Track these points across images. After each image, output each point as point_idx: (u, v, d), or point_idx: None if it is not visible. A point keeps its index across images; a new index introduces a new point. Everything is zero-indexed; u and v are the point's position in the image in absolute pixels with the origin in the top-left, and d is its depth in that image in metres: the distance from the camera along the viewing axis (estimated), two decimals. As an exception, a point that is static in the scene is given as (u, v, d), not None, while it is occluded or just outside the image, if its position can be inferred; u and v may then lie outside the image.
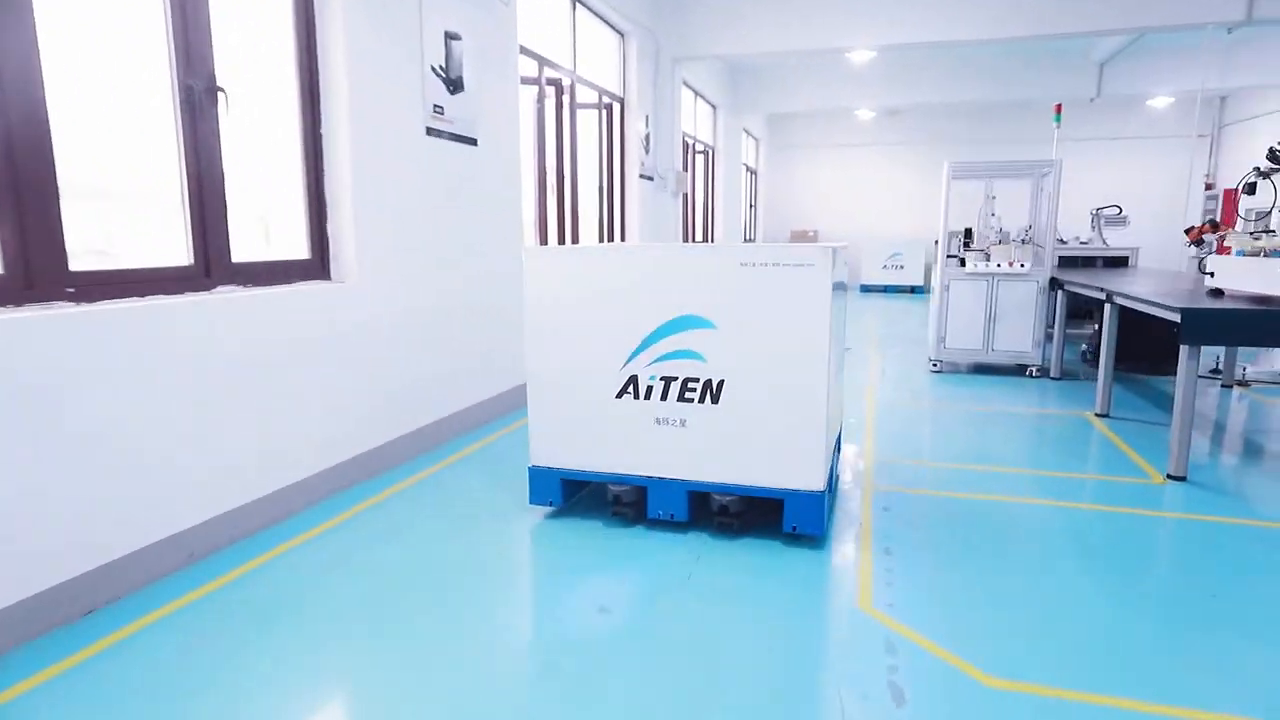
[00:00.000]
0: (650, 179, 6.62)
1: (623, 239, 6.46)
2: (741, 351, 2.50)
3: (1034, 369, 5.41)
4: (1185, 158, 11.01)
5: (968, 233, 5.76)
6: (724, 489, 2.61)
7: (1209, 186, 10.49)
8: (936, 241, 5.88)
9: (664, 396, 2.62)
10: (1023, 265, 5.19)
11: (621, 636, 2.00)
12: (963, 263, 5.37)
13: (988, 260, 5.29)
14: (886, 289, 12.45)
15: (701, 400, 2.59)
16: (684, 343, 2.58)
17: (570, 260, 2.68)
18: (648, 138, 6.47)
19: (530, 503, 2.85)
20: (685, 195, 8.04)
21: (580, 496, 3.10)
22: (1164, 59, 9.17)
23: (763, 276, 2.46)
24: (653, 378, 2.63)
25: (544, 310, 2.71)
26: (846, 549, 2.59)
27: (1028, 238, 5.60)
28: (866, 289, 12.61)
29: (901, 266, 12.41)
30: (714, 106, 9.50)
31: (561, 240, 5.35)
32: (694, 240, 8.54)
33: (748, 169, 11.60)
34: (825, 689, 1.76)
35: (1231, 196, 8.74)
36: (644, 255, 2.64)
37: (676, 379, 2.60)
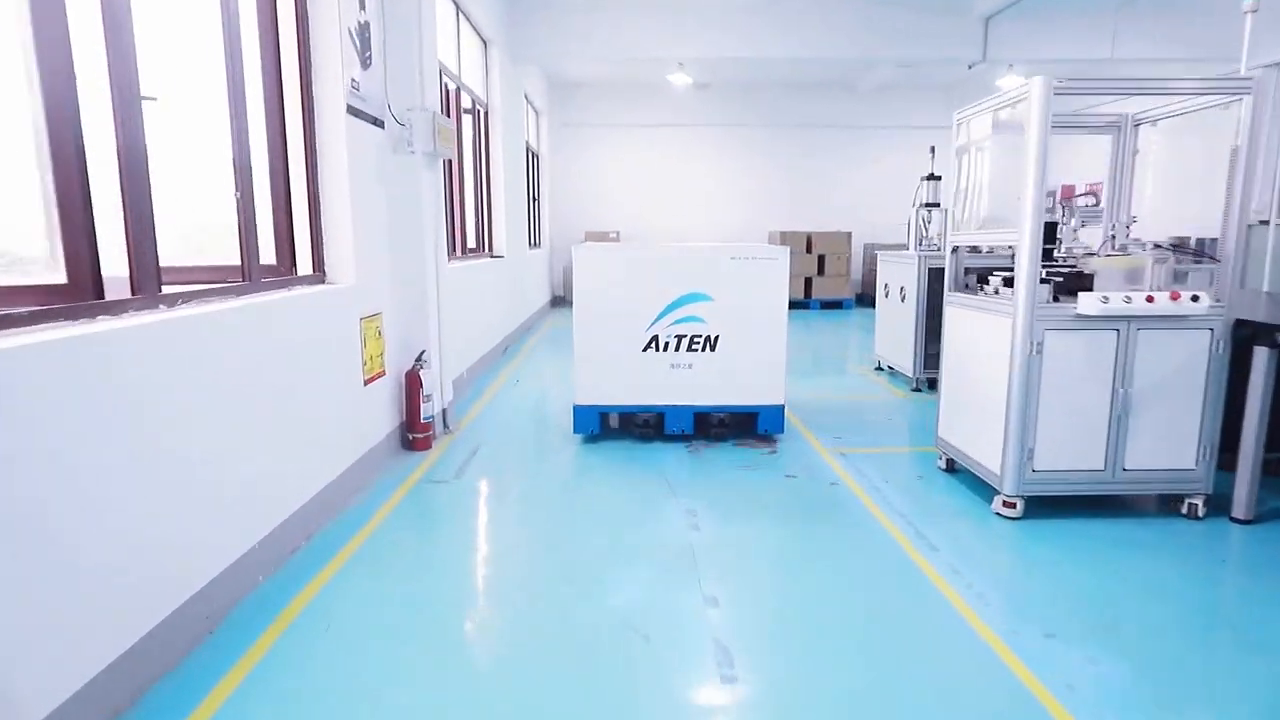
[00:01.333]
0: (375, 122, 3.88)
1: (312, 243, 3.57)
2: (730, 317, 4.37)
3: (1197, 502, 3.27)
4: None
5: (940, 240, 5.70)
6: (718, 409, 4.50)
7: None
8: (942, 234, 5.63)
9: (678, 349, 4.42)
10: (1194, 299, 3.05)
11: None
12: (1057, 296, 3.23)
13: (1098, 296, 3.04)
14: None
15: (703, 350, 4.43)
16: (692, 311, 4.39)
17: (608, 256, 4.57)
18: (364, 28, 3.75)
19: (574, 432, 4.52)
20: (450, 164, 5.87)
21: (606, 431, 4.60)
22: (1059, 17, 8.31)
23: (744, 266, 4.36)
24: (669, 336, 4.42)
25: (586, 293, 4.42)
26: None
27: (1180, 244, 3.67)
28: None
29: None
30: (485, 42, 7.61)
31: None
32: (460, 250, 6.41)
33: (529, 150, 10.23)
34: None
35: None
36: (662, 250, 4.51)
37: (685, 336, 4.42)
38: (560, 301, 12.46)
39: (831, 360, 7.52)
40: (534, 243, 10.72)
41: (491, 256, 7.29)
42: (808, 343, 8.35)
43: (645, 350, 4.36)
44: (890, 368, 6.21)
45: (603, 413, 4.46)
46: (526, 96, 9.63)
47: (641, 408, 4.44)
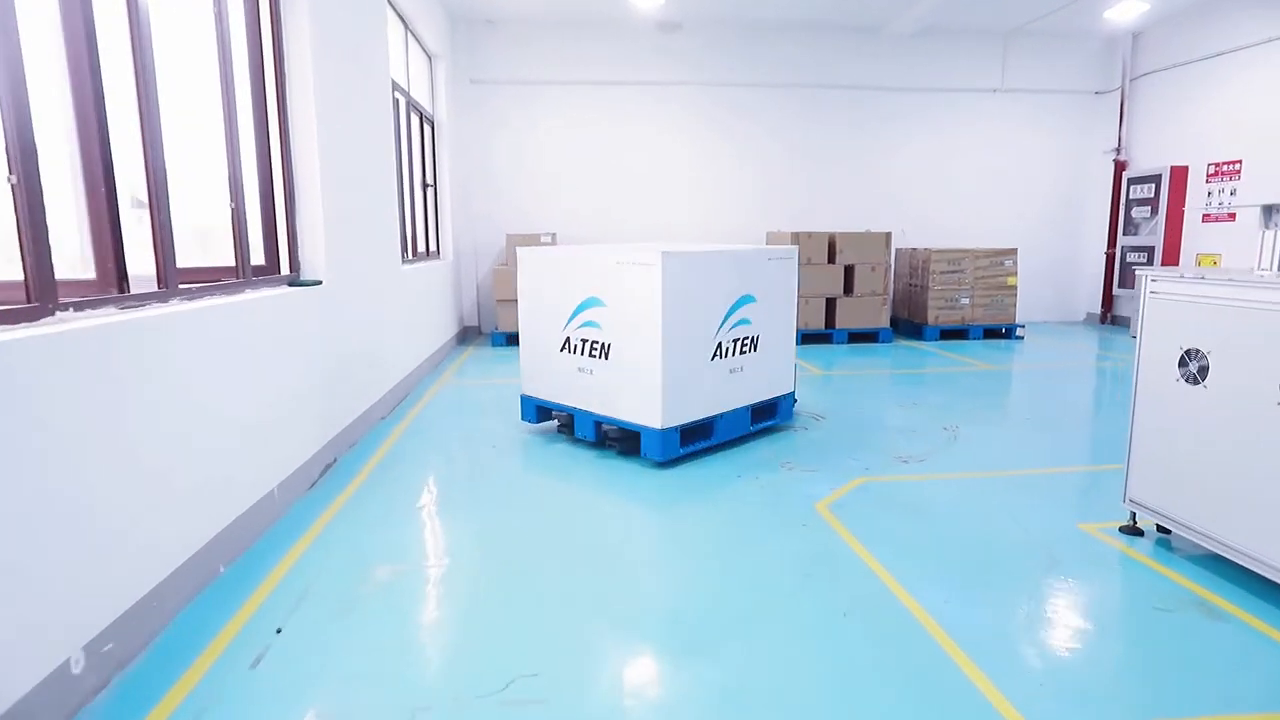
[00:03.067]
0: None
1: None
2: (622, 326, 4.53)
3: None
4: (1081, 123, 11.16)
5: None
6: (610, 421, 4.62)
7: (1121, 166, 10.85)
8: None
9: (583, 353, 4.74)
10: None
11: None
12: None
13: None
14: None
15: (600, 357, 4.61)
16: (592, 316, 4.68)
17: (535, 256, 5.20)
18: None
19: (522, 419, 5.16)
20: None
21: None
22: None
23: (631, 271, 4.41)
24: (577, 339, 4.77)
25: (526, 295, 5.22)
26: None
27: None
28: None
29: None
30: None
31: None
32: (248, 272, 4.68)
33: (415, 112, 8.06)
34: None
35: (1182, 184, 10.31)
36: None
37: (587, 340, 4.72)
38: (473, 335, 10.07)
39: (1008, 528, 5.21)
40: (422, 251, 8.39)
41: (291, 283, 4.71)
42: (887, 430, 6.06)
43: (561, 350, 4.91)
44: (1169, 529, 3.34)
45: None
46: (402, 18, 7.41)
47: (559, 406, 5.02)
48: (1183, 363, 3.05)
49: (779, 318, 5.16)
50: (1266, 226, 2.87)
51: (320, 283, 4.46)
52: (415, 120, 8.06)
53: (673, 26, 9.88)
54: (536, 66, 9.90)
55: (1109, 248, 10.73)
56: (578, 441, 4.97)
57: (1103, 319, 10.99)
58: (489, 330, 10.18)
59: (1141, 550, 3.28)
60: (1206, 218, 9.44)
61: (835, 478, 4.25)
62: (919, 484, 4.16)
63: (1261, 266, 2.90)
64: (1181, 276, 3.00)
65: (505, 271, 9.11)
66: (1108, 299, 10.89)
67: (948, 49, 10.50)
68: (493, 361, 8.19)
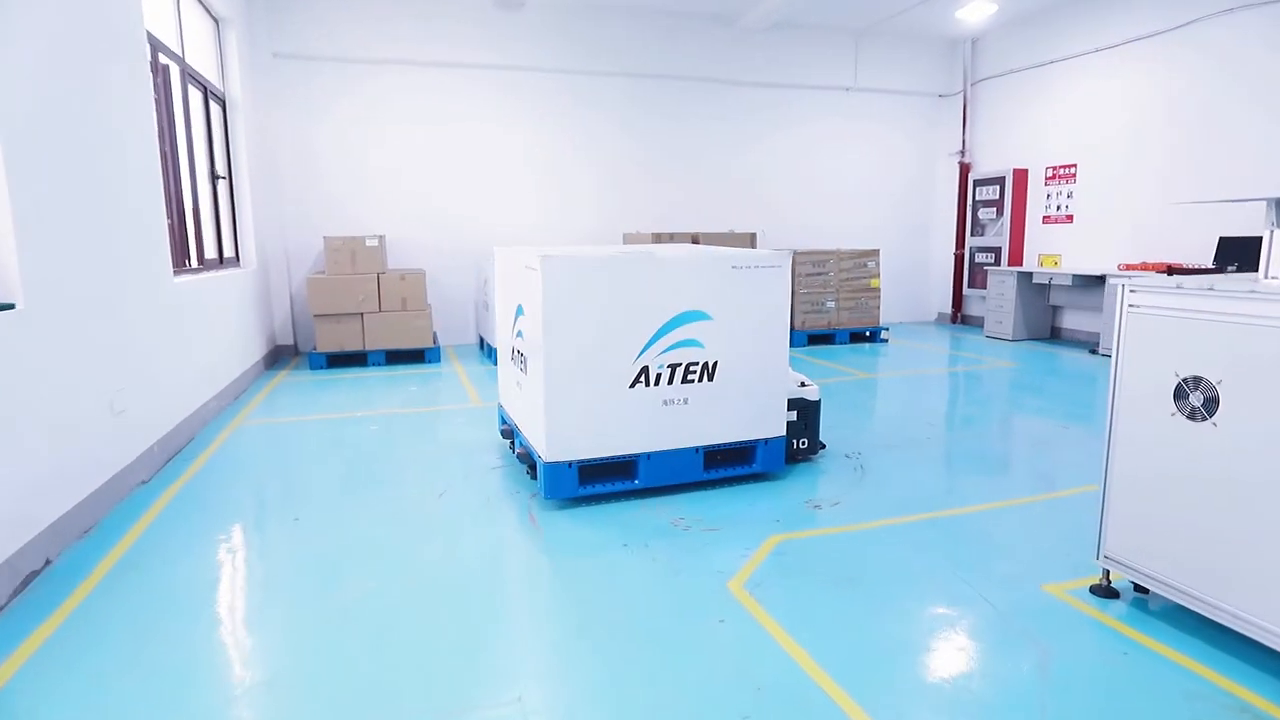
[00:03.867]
0: None
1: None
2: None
3: None
4: (928, 125, 11.16)
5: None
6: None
7: (966, 168, 10.78)
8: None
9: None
10: None
11: None
12: None
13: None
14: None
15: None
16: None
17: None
18: None
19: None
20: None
21: None
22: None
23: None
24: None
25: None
26: None
27: None
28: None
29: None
30: None
31: None
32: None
33: (195, 85, 6.47)
34: None
35: (1024, 187, 9.95)
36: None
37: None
38: (288, 356, 8.47)
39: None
40: (212, 258, 6.81)
41: None
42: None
43: (510, 359, 4.43)
44: (1147, 589, 2.80)
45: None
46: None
47: (505, 419, 4.67)
48: (1181, 394, 2.46)
49: (753, 341, 4.06)
50: (1278, 225, 2.32)
51: (12, 306, 3.04)
52: (197, 96, 6.46)
53: (515, 4, 8.78)
54: (358, 42, 8.43)
55: (958, 248, 10.85)
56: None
57: (953, 319, 11.12)
58: (307, 350, 8.62)
59: (1128, 620, 2.66)
60: (1047, 219, 9.68)
61: (743, 538, 3.42)
62: (842, 540, 3.41)
63: (1271, 273, 2.37)
64: (1179, 287, 2.41)
65: (323, 281, 7.65)
66: (958, 299, 11.02)
67: (802, 45, 10.15)
68: (314, 389, 6.76)
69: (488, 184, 9.19)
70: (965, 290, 10.83)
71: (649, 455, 3.90)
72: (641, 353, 3.81)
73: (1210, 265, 7.52)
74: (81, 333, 3.63)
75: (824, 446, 4.69)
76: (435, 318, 9.01)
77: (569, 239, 9.49)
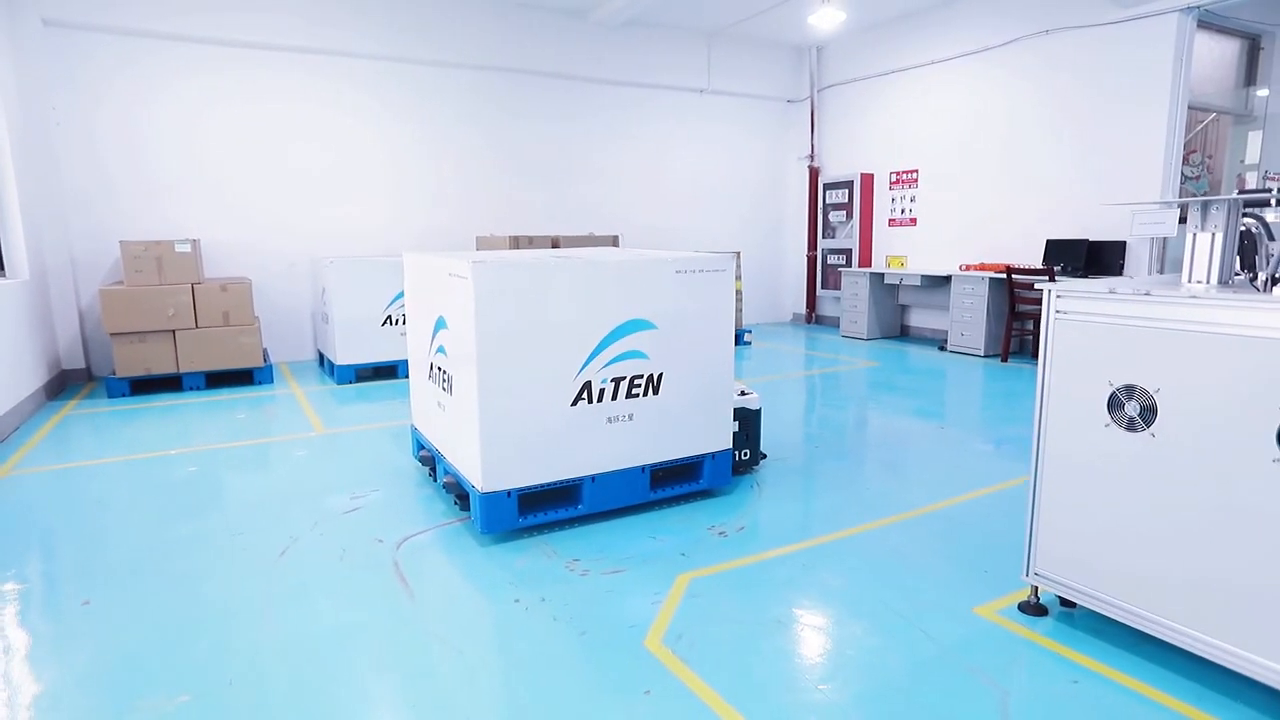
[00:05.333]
0: None
1: None
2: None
3: None
4: (779, 129, 11.25)
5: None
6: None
7: (815, 172, 10.94)
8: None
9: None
10: None
11: None
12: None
13: None
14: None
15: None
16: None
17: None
18: None
19: None
20: None
21: None
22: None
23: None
24: None
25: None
26: None
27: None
28: (352, 373, 7.23)
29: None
30: None
31: None
32: None
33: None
34: None
35: (870, 190, 9.80)
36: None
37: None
38: (79, 382, 7.12)
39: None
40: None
41: None
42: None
43: (428, 377, 3.99)
44: (1074, 603, 2.63)
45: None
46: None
47: (423, 442, 4.13)
48: (1115, 403, 2.35)
49: (699, 350, 3.79)
50: (1202, 228, 2.25)
51: None
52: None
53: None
54: (159, 14, 7.20)
55: (810, 250, 11.13)
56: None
57: (808, 319, 11.39)
58: (104, 374, 7.29)
59: (1063, 639, 2.52)
60: (893, 222, 10.10)
61: (650, 579, 3.03)
62: (756, 572, 3.11)
63: (1195, 278, 2.31)
64: (1111, 292, 2.29)
65: (121, 293, 6.45)
66: (811, 300, 11.30)
67: (657, 44, 9.96)
68: (113, 423, 5.63)
69: (322, 183, 8.22)
70: (819, 291, 11.13)
71: (594, 478, 3.58)
72: (583, 367, 3.48)
73: (1040, 265, 8.08)
74: None
75: (765, 456, 4.55)
76: (265, 332, 7.94)
77: (414, 242, 8.71)
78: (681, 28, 10.04)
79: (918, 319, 9.97)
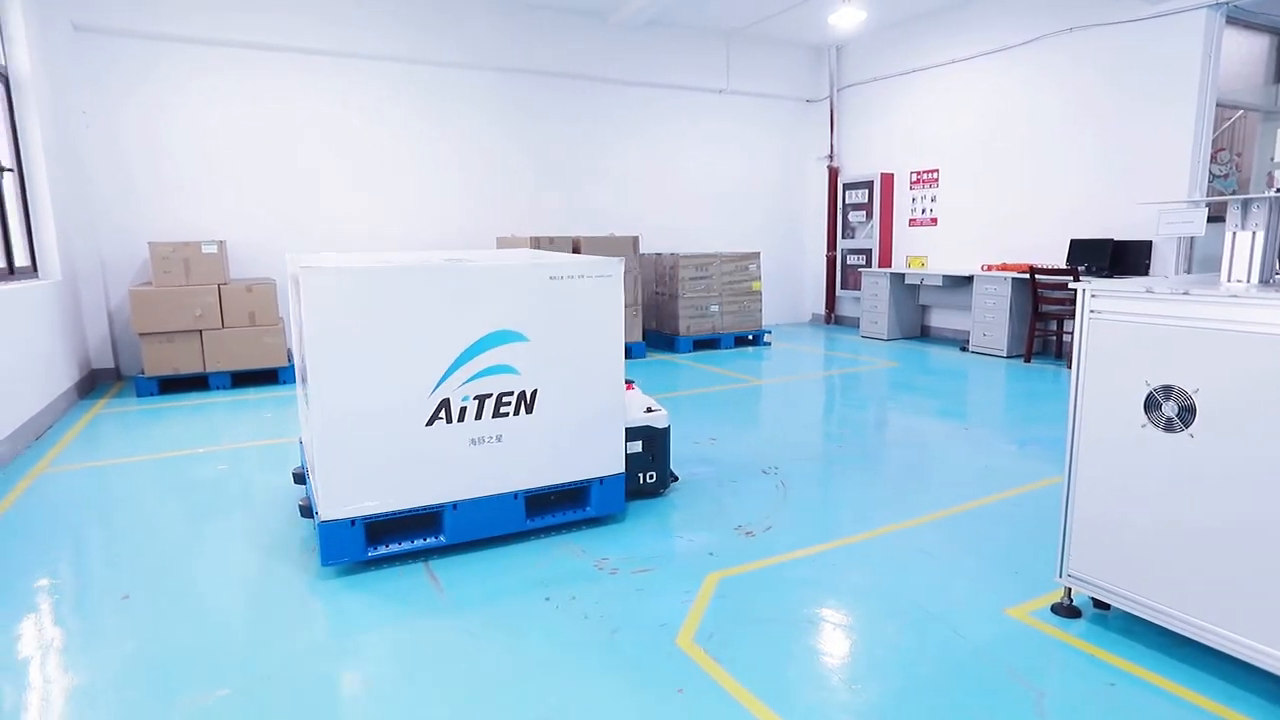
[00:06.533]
0: None
1: None
2: None
3: None
4: (798, 129, 11.23)
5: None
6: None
7: (835, 172, 10.92)
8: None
9: None
10: None
11: None
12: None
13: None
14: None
15: None
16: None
17: None
18: None
19: None
20: None
21: None
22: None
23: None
24: None
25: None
26: None
27: None
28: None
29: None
30: None
31: None
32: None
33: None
34: None
35: (891, 190, 9.93)
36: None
37: None
38: (108, 380, 7.24)
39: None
40: None
41: None
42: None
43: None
44: (1108, 605, 2.65)
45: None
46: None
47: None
48: (1153, 404, 2.33)
49: (581, 364, 3.42)
50: (1242, 227, 2.23)
51: None
52: (-28, 71, 5.29)
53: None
54: (185, 17, 7.30)
55: (829, 251, 11.09)
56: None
57: (827, 319, 11.35)
58: (132, 374, 7.39)
59: (1097, 641, 2.49)
60: (913, 222, 10.05)
61: (680, 578, 3.04)
62: (786, 571, 3.11)
63: (1235, 276, 2.29)
64: (1149, 291, 2.27)
65: (150, 294, 6.55)
66: (831, 300, 11.26)
67: (676, 45, 9.96)
68: (142, 421, 5.71)
69: (345, 184, 8.29)
70: (838, 291, 11.09)
71: (455, 505, 3.23)
72: (440, 383, 3.13)
73: (1064, 266, 8.01)
74: None
75: (676, 479, 4.15)
76: (289, 333, 8.03)
77: (436, 243, 8.76)
78: (701, 28, 10.04)
79: (938, 319, 9.91)
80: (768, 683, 2.32)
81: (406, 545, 3.21)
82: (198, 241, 6.86)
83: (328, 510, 3.03)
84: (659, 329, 9.34)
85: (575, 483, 3.53)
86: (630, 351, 8.52)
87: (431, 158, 8.76)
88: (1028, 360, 7.96)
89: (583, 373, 3.45)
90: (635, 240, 8.55)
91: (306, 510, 3.39)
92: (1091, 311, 2.47)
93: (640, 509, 3.80)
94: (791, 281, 11.60)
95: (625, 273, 8.48)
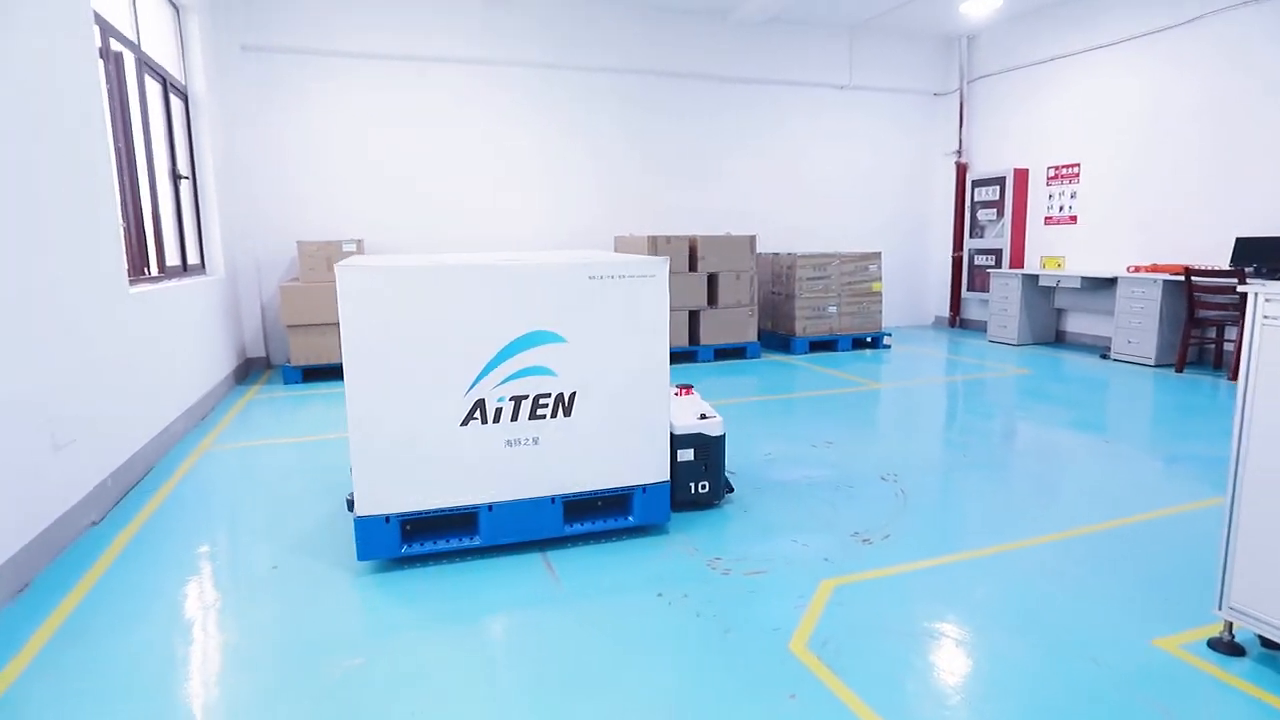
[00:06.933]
0: None
1: None
2: None
3: None
4: (923, 124, 10.79)
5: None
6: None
7: (963, 168, 10.38)
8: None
9: None
10: None
11: None
12: None
13: None
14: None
15: None
16: None
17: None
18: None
19: None
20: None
21: None
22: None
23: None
24: None
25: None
26: None
27: None
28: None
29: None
30: None
31: None
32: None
33: (153, 76, 5.91)
34: None
35: (1025, 187, 9.55)
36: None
37: None
38: (259, 369, 7.90)
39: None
40: (175, 265, 6.27)
41: None
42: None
43: None
44: (1276, 643, 2.46)
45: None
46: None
47: None
48: (1339, 422, 2.08)
49: (622, 367, 3.30)
50: None
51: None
52: (155, 89, 5.90)
53: (500, 1, 8.31)
54: (330, 34, 7.87)
55: (955, 251, 10.56)
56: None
57: (951, 322, 10.82)
58: (280, 363, 8.04)
59: (1263, 684, 2.28)
60: (1049, 220, 9.41)
61: (793, 582, 2.99)
62: (906, 581, 3.00)
63: None
64: (1337, 296, 2.04)
65: (297, 289, 7.09)
66: (956, 302, 10.72)
67: (797, 41, 9.78)
68: (289, 406, 6.20)
69: (473, 184, 8.66)
70: (964, 293, 10.55)
71: (490, 507, 3.20)
72: (475, 383, 3.10)
73: (1227, 267, 7.27)
74: (17, 353, 3.10)
75: (731, 490, 3.97)
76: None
77: (563, 244, 9.01)
78: (823, 23, 9.81)
79: (1075, 324, 9.23)
80: (885, 695, 2.24)
81: (441, 545, 3.21)
82: (338, 240, 7.37)
83: (363, 506, 3.08)
84: (774, 329, 9.21)
85: (616, 489, 3.40)
86: (745, 351, 8.45)
87: (560, 160, 9.01)
88: (1179, 370, 7.28)
89: (625, 376, 3.32)
90: (752, 240, 8.46)
91: (350, 504, 3.41)
92: (1265, 318, 2.23)
93: (739, 511, 3.76)
94: (914, 282, 11.14)
95: (741, 273, 8.50)
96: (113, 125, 4.79)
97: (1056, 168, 9.24)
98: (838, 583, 2.98)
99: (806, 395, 6.55)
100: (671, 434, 3.56)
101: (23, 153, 3.28)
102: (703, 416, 3.75)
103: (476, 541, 3.24)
